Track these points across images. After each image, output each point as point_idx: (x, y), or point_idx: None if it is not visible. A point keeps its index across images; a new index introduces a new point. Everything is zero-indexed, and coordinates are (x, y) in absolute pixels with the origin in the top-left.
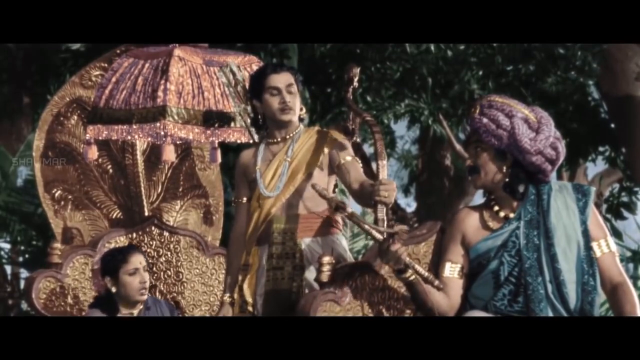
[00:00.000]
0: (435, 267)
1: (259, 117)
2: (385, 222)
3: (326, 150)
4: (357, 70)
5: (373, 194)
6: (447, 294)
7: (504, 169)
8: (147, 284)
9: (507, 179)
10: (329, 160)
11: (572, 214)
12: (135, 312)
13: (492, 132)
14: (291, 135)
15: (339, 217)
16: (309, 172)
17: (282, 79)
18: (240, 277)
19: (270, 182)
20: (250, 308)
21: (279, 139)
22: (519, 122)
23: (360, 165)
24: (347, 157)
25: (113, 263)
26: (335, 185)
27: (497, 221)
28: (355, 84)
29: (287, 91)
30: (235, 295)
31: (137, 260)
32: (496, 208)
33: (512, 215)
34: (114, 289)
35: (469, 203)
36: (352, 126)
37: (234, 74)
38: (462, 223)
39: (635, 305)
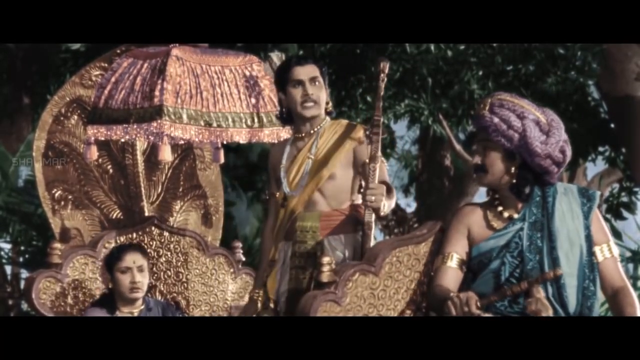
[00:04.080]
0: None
1: (284, 110)
2: (373, 226)
3: (351, 146)
4: (386, 63)
5: (361, 199)
6: (448, 286)
7: (512, 169)
8: (141, 284)
9: (514, 180)
10: (354, 158)
11: (577, 218)
12: (136, 312)
13: (502, 133)
14: (316, 129)
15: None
16: (333, 170)
17: (305, 71)
18: (265, 273)
19: (293, 180)
20: (272, 305)
21: (304, 134)
22: (531, 124)
23: (385, 164)
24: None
25: (109, 260)
26: (360, 186)
27: (501, 221)
28: (384, 77)
29: (311, 83)
30: (261, 292)
31: (131, 259)
32: (500, 208)
33: (516, 215)
34: (110, 285)
35: None
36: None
37: (276, 64)
38: (467, 217)
39: (635, 307)
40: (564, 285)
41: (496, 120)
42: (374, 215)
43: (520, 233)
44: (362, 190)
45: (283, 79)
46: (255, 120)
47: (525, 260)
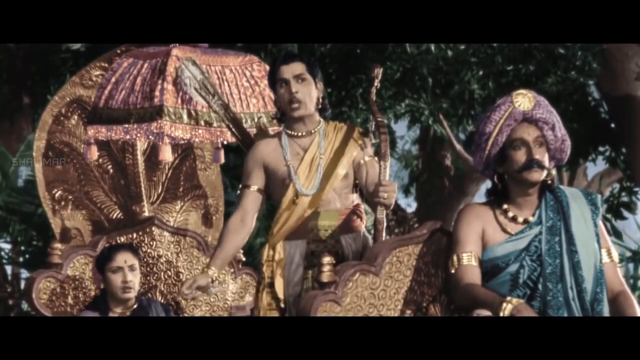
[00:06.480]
0: (438, 264)
1: (278, 110)
2: (385, 224)
3: (356, 147)
4: (379, 70)
5: (373, 196)
6: (475, 282)
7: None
8: (132, 284)
9: (548, 179)
10: (353, 158)
11: (589, 224)
12: (128, 312)
13: (554, 131)
14: (317, 128)
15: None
16: (344, 169)
17: (290, 70)
18: (266, 273)
19: (306, 179)
20: (282, 305)
21: (303, 133)
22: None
23: (378, 165)
24: (367, 156)
25: (100, 260)
26: (356, 185)
27: (515, 224)
28: (377, 83)
29: (296, 81)
30: (264, 293)
31: (122, 259)
32: (512, 213)
33: (531, 219)
34: (102, 285)
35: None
36: (370, 128)
37: (196, 66)
38: (480, 217)
39: (635, 308)
40: (586, 290)
41: (550, 117)
42: (385, 212)
43: (540, 237)
44: (358, 189)
45: (272, 80)
46: (256, 120)
47: (544, 264)
